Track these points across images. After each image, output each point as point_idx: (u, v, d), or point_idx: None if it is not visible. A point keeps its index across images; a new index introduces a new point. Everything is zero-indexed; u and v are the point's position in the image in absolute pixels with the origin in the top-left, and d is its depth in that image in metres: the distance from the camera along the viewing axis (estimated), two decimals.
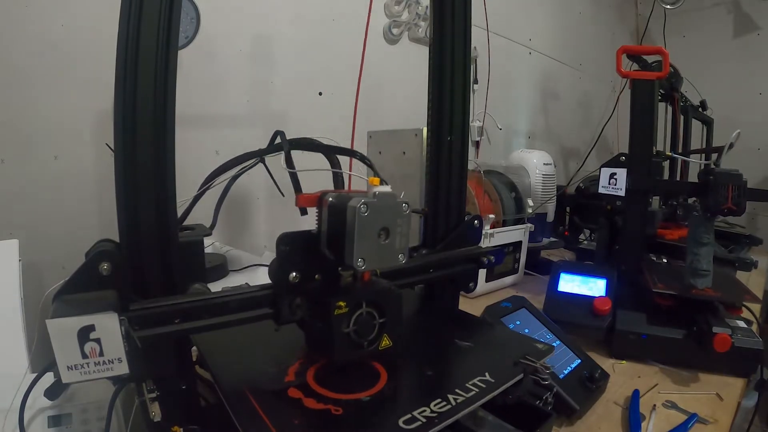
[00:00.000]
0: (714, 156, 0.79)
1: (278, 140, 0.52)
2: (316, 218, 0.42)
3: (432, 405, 0.38)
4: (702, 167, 0.80)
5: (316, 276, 0.43)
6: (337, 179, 0.53)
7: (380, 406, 0.39)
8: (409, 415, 0.36)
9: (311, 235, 0.42)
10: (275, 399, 0.39)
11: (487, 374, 0.43)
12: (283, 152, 0.49)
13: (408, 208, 0.40)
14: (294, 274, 0.41)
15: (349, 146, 0.56)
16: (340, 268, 0.42)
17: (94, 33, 0.79)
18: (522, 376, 0.45)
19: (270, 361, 0.45)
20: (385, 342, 0.44)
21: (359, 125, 1.10)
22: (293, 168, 0.48)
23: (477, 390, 0.41)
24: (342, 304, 0.40)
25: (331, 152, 0.54)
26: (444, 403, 0.38)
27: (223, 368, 0.44)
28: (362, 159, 0.56)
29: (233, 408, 0.37)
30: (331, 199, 0.40)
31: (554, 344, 0.66)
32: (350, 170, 0.53)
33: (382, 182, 0.40)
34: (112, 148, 0.36)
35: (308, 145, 0.54)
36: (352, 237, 0.37)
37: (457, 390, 0.40)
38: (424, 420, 0.36)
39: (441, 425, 0.36)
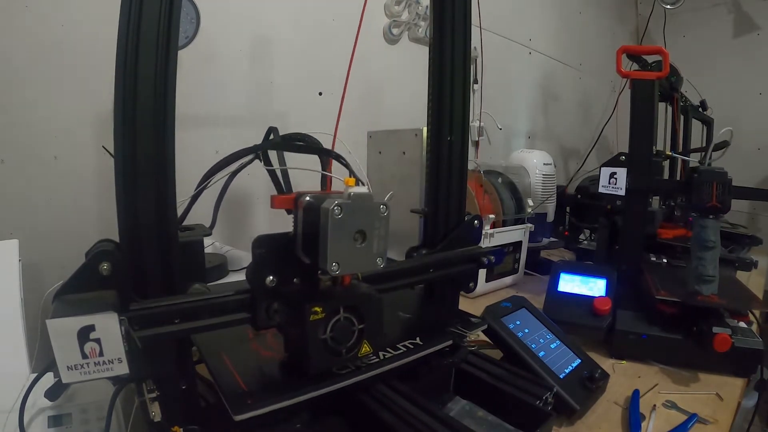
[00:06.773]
0: (714, 155, 0.79)
1: (272, 136, 0.51)
2: (293, 220, 0.40)
3: (363, 358, 0.44)
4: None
5: (294, 280, 0.41)
6: (324, 180, 0.51)
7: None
8: (342, 365, 0.43)
9: (288, 237, 0.40)
10: (238, 349, 0.47)
11: (417, 338, 0.50)
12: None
13: (386, 210, 0.38)
14: (271, 277, 0.40)
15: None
16: (319, 272, 0.40)
17: (93, 33, 0.79)
18: (450, 342, 0.52)
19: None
20: (366, 349, 0.43)
21: (360, 125, 1.10)
22: (270, 166, 0.48)
23: (405, 350, 0.48)
24: (318, 309, 0.39)
25: (306, 152, 0.52)
26: (375, 357, 0.45)
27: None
28: (337, 158, 0.53)
29: (205, 355, 0.45)
30: (308, 199, 0.39)
31: (554, 344, 0.66)
32: (330, 170, 0.51)
33: (358, 183, 0.38)
34: (109, 151, 0.36)
35: (285, 144, 0.53)
36: (326, 240, 0.36)
37: (388, 348, 0.48)
38: (353, 368, 0.44)
39: (367, 374, 0.43)
